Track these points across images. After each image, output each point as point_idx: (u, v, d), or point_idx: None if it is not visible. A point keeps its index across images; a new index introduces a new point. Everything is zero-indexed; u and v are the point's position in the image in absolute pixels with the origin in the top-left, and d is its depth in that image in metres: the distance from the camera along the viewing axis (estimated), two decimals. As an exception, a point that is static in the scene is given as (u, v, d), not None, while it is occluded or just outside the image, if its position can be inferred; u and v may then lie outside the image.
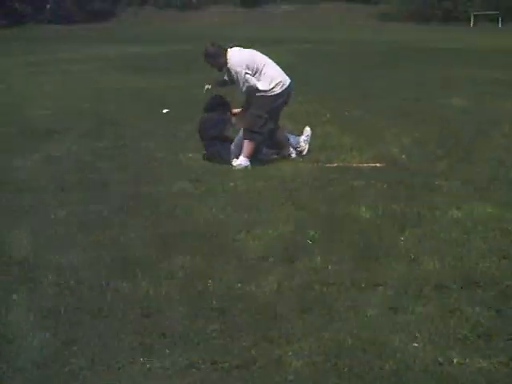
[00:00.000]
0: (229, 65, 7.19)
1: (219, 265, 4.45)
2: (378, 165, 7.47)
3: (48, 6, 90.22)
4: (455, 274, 4.31)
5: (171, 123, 10.24)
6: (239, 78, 7.10)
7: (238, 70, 7.08)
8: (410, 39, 46.77)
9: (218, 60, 7.35)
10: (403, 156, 7.88)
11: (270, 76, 7.19)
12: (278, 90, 7.22)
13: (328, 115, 10.97)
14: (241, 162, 7.27)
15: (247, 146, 7.27)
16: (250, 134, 7.29)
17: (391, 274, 4.31)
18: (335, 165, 7.46)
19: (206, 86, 7.86)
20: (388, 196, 6.18)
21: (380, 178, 6.83)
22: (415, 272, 4.36)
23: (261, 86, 7.16)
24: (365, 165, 7.48)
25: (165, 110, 11.62)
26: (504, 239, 5.03)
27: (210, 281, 4.18)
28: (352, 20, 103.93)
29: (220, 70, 7.49)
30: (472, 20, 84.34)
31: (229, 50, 7.33)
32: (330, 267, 4.40)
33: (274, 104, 7.26)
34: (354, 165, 7.48)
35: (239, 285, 4.12)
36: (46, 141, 8.84)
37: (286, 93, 7.36)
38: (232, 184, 6.54)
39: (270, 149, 7.76)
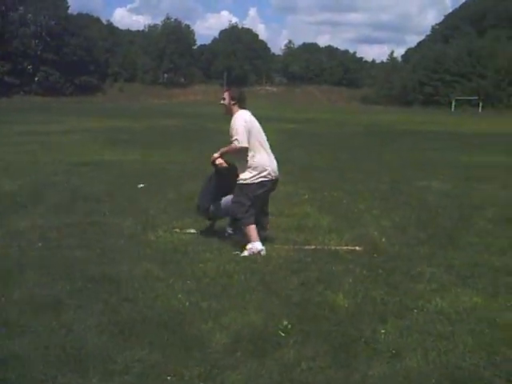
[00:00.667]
0: (233, 118, 6.87)
1: (180, 359, 4.01)
2: (357, 248, 7.13)
3: (36, 79, 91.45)
4: (440, 372, 3.96)
5: (144, 199, 9.90)
6: (233, 132, 6.76)
7: (239, 127, 6.74)
8: (392, 121, 47.55)
9: (233, 105, 6.97)
10: (383, 239, 7.56)
11: (256, 163, 6.76)
12: (261, 179, 6.79)
13: (307, 196, 10.71)
14: (248, 248, 6.73)
15: (243, 232, 6.89)
16: (236, 221, 7.02)
17: (370, 372, 3.91)
18: (312, 247, 7.10)
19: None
20: (367, 282, 5.82)
21: (359, 262, 6.49)
22: (396, 370, 3.96)
23: (243, 175, 6.79)
24: (343, 248, 7.13)
25: (140, 185, 11.34)
26: (493, 332, 4.66)
27: (168, 377, 3.75)
28: (335, 102, 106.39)
29: (225, 113, 7.07)
30: (453, 104, 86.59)
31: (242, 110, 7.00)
32: (302, 364, 3.99)
33: (255, 193, 6.80)
34: (332, 247, 7.12)
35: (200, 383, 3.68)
36: (11, 214, 8.42)
37: (271, 182, 6.92)
38: (201, 266, 6.12)
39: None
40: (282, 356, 4.10)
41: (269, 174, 6.82)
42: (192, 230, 7.77)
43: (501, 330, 4.73)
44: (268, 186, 6.91)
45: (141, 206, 9.27)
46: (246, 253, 6.65)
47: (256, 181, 6.76)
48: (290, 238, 7.51)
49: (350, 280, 5.84)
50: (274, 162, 6.99)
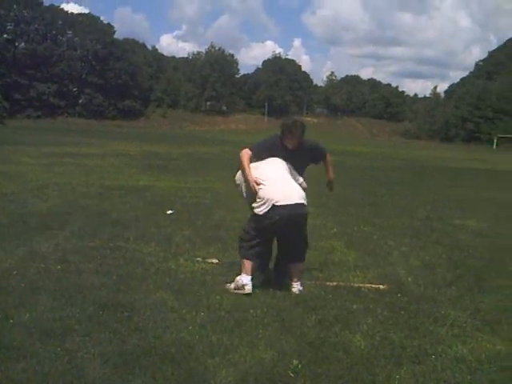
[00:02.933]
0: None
1: (181, 395, 3.86)
2: (381, 286, 6.91)
3: (80, 101, 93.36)
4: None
5: (171, 225, 9.84)
6: None
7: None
8: (432, 157, 47.14)
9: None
10: (409, 279, 7.33)
11: (262, 193, 6.30)
12: (264, 210, 6.24)
13: (335, 229, 10.52)
14: (235, 280, 6.34)
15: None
16: (238, 246, 6.67)
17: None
18: (335, 283, 6.89)
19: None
20: (387, 324, 5.60)
21: (381, 301, 6.28)
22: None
23: (254, 203, 6.39)
24: (367, 285, 6.92)
25: (169, 211, 11.30)
26: (514, 384, 4.42)
27: (166, 414, 3.61)
28: (376, 135, 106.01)
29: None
30: (495, 142, 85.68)
31: None
32: (309, 408, 3.81)
33: (260, 225, 6.32)
34: (356, 285, 6.91)
35: (199, 423, 3.54)
36: (36, 235, 8.41)
37: (278, 216, 6.20)
38: (218, 297, 5.97)
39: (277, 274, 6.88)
40: (288, 398, 3.93)
41: (274, 204, 6.24)
42: (214, 260, 7.66)
43: (524, 381, 4.50)
44: (275, 219, 6.23)
45: (166, 233, 9.20)
46: (232, 285, 6.33)
47: (260, 212, 6.32)
48: (313, 274, 7.32)
49: (370, 320, 5.63)
50: (286, 194, 6.36)
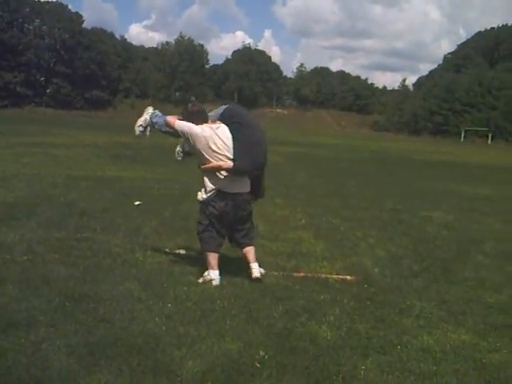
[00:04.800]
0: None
1: (147, 386, 3.84)
2: (348, 277, 6.96)
3: (48, 91, 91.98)
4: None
5: (139, 217, 9.77)
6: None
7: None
8: (400, 149, 47.51)
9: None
10: (376, 270, 7.40)
11: (207, 181, 6.51)
12: (211, 198, 6.46)
13: (303, 221, 10.56)
14: (205, 275, 6.43)
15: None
16: (199, 240, 6.73)
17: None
18: (302, 274, 6.92)
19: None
20: (354, 314, 5.64)
21: (348, 292, 6.33)
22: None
23: (199, 195, 6.59)
24: (334, 276, 6.96)
25: (137, 202, 11.22)
26: (477, 374, 4.48)
27: (132, 405, 3.58)
28: (345, 127, 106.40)
29: None
30: (463, 135, 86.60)
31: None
32: (275, 400, 3.81)
33: (209, 212, 6.47)
34: (323, 276, 6.95)
35: (164, 415, 3.52)
36: (1, 226, 8.26)
37: (224, 202, 6.44)
38: (185, 289, 5.96)
39: None
40: (255, 390, 3.93)
41: (221, 190, 6.53)
42: (182, 251, 7.63)
43: (487, 371, 4.55)
44: (226, 201, 6.48)
45: (134, 224, 9.13)
46: (201, 279, 6.39)
47: (208, 199, 6.54)
48: (281, 264, 7.34)
49: (337, 311, 5.66)
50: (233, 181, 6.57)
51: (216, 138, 6.37)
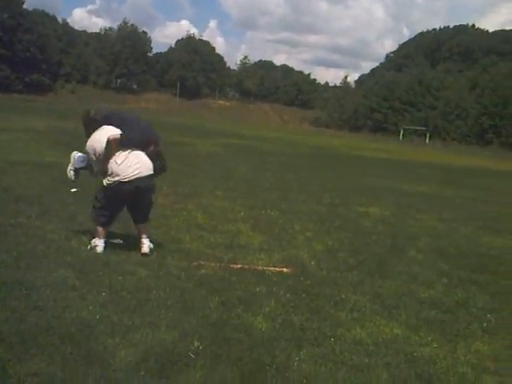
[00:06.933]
0: None
1: (79, 374, 3.77)
2: (284, 270, 7.01)
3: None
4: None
5: (75, 204, 9.59)
6: None
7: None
8: (340, 146, 48.08)
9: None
10: (312, 263, 7.48)
11: (112, 168, 6.93)
12: (115, 183, 6.92)
13: (242, 213, 10.57)
14: (92, 241, 7.06)
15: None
16: (90, 212, 7.31)
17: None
18: (239, 266, 6.93)
19: None
20: (289, 306, 5.69)
21: (284, 284, 6.37)
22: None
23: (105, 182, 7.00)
24: (271, 268, 7.00)
25: (73, 189, 10.99)
26: (407, 367, 4.58)
27: (62, 394, 3.52)
28: (287, 122, 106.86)
29: None
30: (401, 133, 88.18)
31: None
32: (207, 390, 3.81)
33: (110, 195, 7.00)
34: (260, 268, 6.97)
35: (95, 403, 3.47)
36: None
37: (127, 189, 6.90)
38: (120, 278, 5.88)
39: None
40: (187, 379, 3.90)
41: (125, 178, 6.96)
42: (118, 240, 7.54)
43: (417, 365, 4.66)
44: (128, 186, 6.96)
45: (70, 211, 8.97)
46: (88, 246, 6.99)
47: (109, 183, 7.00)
48: (218, 256, 7.34)
49: (272, 302, 5.70)
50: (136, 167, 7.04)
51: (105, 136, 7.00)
